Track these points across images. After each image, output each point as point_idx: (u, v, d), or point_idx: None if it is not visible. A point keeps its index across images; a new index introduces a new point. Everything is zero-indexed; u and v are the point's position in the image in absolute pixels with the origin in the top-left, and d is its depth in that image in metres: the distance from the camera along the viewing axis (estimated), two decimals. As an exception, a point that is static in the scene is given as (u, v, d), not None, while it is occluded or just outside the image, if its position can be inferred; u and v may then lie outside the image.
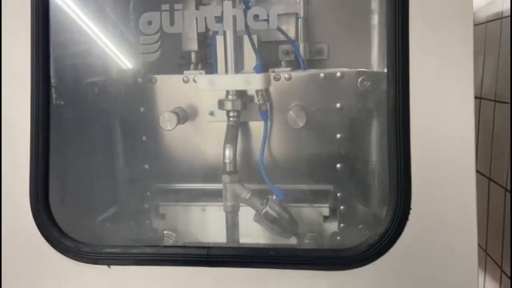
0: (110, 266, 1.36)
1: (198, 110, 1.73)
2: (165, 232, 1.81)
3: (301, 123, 1.60)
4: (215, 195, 1.75)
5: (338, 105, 1.64)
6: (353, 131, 1.67)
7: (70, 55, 1.66)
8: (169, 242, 1.78)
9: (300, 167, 1.73)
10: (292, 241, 1.70)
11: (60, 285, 1.39)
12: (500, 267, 1.85)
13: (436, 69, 1.24)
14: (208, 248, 1.34)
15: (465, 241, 1.23)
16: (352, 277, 1.27)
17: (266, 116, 1.64)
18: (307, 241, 1.70)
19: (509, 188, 1.76)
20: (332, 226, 1.73)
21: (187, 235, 1.79)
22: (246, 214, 1.63)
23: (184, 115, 1.70)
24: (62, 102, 1.60)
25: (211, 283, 1.34)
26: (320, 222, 1.74)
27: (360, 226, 1.69)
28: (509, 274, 1.76)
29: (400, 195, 1.23)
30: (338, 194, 1.71)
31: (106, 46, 1.73)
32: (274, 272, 1.31)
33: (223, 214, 1.63)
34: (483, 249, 2.01)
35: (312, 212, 1.74)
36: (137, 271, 1.36)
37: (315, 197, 1.74)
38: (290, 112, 1.61)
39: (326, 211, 1.74)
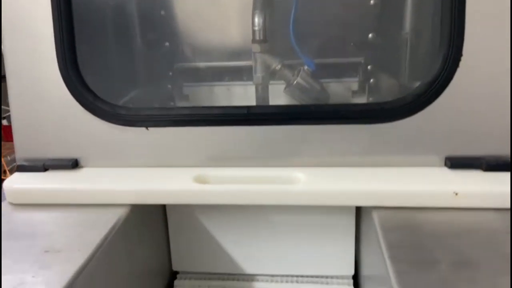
0: (148, 128, 1.34)
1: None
2: None
3: None
4: (240, 74, 1.71)
5: None
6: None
7: None
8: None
9: (330, 38, 1.66)
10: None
11: (98, 149, 1.36)
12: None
13: None
14: (248, 107, 1.31)
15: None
16: (396, 128, 1.26)
17: None
18: None
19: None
20: (361, 101, 1.71)
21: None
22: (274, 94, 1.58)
23: None
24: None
25: (251, 141, 1.32)
26: (348, 96, 1.71)
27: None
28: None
29: (452, 41, 1.18)
30: (369, 67, 1.67)
31: None
32: (316, 128, 1.29)
33: (248, 93, 1.60)
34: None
35: (341, 87, 1.71)
36: (176, 132, 1.33)
37: (344, 71, 1.70)
38: None
39: (355, 86, 1.71)
